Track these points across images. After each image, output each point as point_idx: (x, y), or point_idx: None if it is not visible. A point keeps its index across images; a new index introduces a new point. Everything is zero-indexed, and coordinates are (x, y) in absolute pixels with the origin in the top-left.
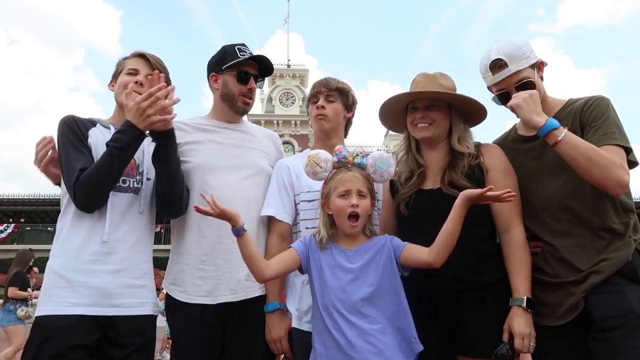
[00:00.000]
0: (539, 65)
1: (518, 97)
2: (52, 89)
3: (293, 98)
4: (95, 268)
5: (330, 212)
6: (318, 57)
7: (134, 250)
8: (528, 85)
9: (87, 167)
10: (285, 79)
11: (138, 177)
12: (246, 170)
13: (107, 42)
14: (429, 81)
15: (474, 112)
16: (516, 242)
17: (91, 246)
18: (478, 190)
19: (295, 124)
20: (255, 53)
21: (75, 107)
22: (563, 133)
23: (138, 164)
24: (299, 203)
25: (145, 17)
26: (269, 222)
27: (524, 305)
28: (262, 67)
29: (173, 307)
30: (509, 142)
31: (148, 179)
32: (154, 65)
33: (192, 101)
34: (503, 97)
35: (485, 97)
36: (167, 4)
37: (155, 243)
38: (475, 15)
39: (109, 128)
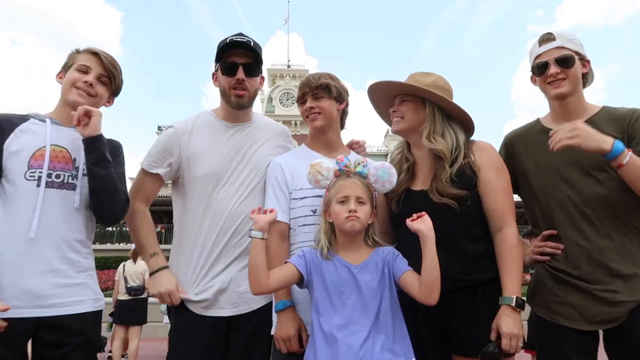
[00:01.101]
0: (584, 63)
1: (574, 131)
2: (52, 89)
3: (293, 98)
4: (24, 268)
5: (330, 220)
6: (318, 58)
7: (67, 249)
8: (568, 59)
9: None
10: (285, 79)
11: (74, 172)
12: (252, 177)
13: (108, 43)
14: (411, 78)
15: (452, 110)
16: (508, 242)
17: (17, 245)
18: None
19: (295, 124)
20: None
21: None
22: (627, 157)
23: (74, 158)
24: (290, 201)
25: (146, 18)
26: None
27: (513, 304)
28: (254, 54)
29: (176, 307)
30: (536, 134)
31: (85, 175)
32: (106, 65)
33: (193, 102)
34: (541, 68)
35: (482, 96)
36: (167, 5)
37: None
38: (474, 15)
39: (44, 121)
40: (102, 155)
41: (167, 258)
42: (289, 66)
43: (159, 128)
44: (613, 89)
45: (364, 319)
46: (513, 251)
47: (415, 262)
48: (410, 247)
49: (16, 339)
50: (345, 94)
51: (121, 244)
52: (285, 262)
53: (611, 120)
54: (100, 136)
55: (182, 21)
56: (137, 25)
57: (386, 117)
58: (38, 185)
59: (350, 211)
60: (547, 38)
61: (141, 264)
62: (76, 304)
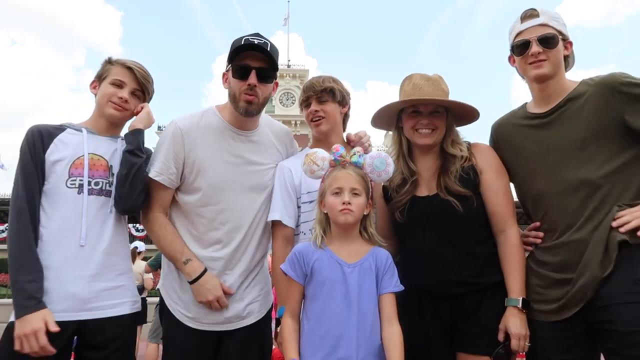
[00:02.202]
0: (566, 45)
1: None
2: (52, 89)
3: (293, 98)
4: (69, 273)
5: (325, 211)
6: (317, 58)
7: (107, 252)
8: (551, 39)
9: (24, 207)
10: (285, 79)
11: (110, 179)
12: (257, 192)
13: (108, 43)
14: (431, 85)
15: (468, 117)
16: (512, 243)
17: (63, 252)
18: None
19: (295, 124)
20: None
21: (75, 108)
22: None
23: (111, 165)
24: (300, 206)
25: (146, 18)
26: (273, 225)
27: (520, 305)
28: (270, 58)
29: (168, 313)
30: (517, 119)
31: None
32: (140, 80)
33: (192, 102)
34: (522, 47)
35: (481, 96)
36: (167, 5)
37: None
38: (473, 15)
39: (80, 131)
40: (136, 146)
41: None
42: (289, 66)
43: (159, 128)
44: None
45: (350, 323)
46: (516, 252)
47: (419, 266)
48: (414, 251)
49: (61, 342)
50: (347, 97)
51: None
52: (287, 277)
53: (594, 92)
54: (140, 130)
55: (182, 21)
56: (137, 25)
57: (385, 124)
58: (79, 193)
59: (344, 203)
60: (530, 14)
61: (140, 264)
62: (116, 306)
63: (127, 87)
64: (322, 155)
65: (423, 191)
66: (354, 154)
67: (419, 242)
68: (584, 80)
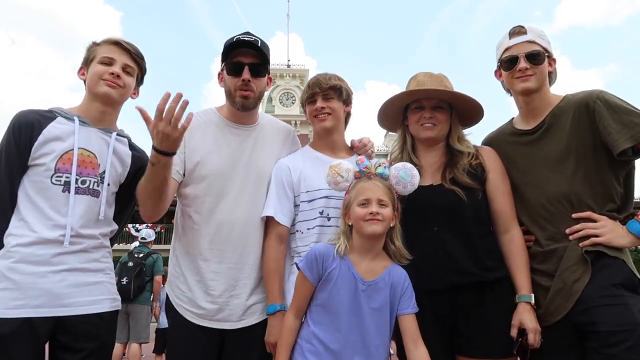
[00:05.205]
0: (550, 62)
1: (601, 228)
2: (52, 89)
3: (293, 98)
4: (46, 269)
5: (350, 223)
6: (317, 58)
7: (89, 249)
8: (538, 56)
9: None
10: (285, 79)
11: (98, 179)
12: (257, 185)
13: None
14: (434, 81)
15: (472, 115)
16: (518, 242)
17: (41, 249)
18: None
19: (296, 124)
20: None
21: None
22: None
23: (99, 164)
24: (298, 204)
25: (145, 18)
26: (267, 222)
27: (532, 302)
28: (261, 54)
29: (173, 312)
30: (506, 136)
31: (108, 184)
32: (132, 54)
33: (192, 102)
34: (510, 62)
35: (480, 96)
36: (167, 5)
37: (155, 243)
38: (472, 15)
39: (72, 120)
40: None
41: (166, 259)
42: (288, 66)
43: None
44: (612, 89)
45: (353, 340)
46: (522, 251)
47: (420, 253)
48: (415, 239)
49: (35, 341)
50: (351, 97)
51: (121, 244)
52: (301, 274)
53: (574, 109)
54: None
55: (182, 21)
56: (136, 26)
57: (391, 123)
58: (63, 191)
59: (371, 213)
60: (518, 31)
61: None
62: (94, 303)
63: (118, 63)
64: (346, 166)
65: (427, 181)
66: (379, 166)
67: (420, 229)
68: (567, 96)
